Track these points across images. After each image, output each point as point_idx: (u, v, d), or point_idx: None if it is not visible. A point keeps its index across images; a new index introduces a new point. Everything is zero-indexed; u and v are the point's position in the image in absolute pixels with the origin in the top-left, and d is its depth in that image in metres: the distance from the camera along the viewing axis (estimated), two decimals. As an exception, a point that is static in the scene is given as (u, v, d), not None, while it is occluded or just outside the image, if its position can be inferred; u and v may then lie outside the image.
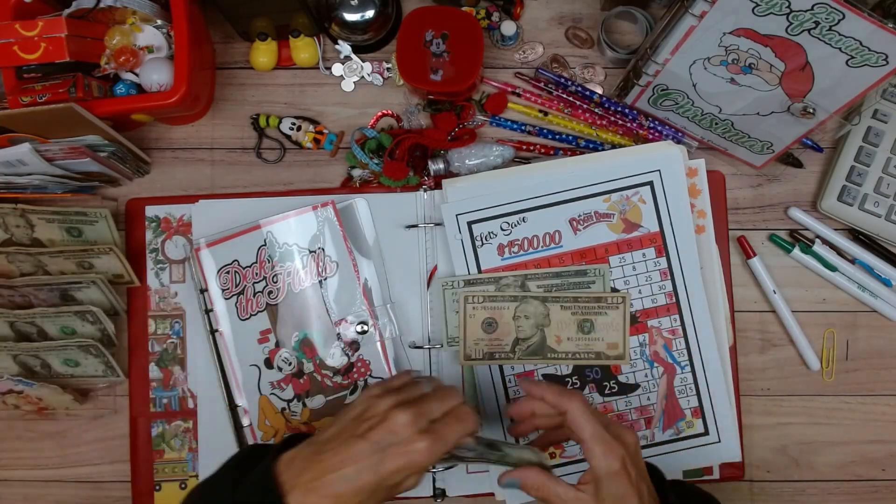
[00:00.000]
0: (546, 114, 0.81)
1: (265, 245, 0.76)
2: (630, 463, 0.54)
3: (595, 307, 0.73)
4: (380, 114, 0.81)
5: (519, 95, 0.81)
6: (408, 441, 0.51)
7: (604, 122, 0.80)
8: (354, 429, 0.53)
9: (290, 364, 0.76)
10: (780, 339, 0.80)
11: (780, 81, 0.68)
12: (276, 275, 0.76)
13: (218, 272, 0.76)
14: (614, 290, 0.74)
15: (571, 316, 0.72)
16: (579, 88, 0.79)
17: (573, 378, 0.75)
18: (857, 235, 0.79)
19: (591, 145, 0.80)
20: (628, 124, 0.79)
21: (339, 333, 0.76)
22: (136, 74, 0.75)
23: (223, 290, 0.76)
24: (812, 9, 0.61)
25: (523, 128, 0.80)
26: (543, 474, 0.56)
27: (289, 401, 0.76)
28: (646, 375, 0.75)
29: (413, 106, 0.81)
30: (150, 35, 0.74)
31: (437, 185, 0.77)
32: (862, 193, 0.77)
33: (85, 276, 0.73)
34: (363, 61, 0.81)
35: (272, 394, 0.76)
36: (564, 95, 0.80)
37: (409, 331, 0.77)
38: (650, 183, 0.75)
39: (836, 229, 0.79)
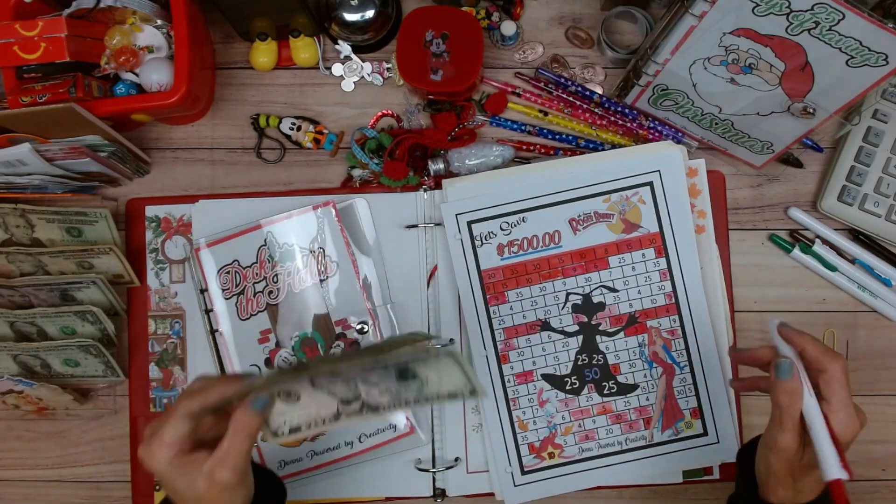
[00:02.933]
0: (546, 114, 0.81)
1: (265, 245, 0.76)
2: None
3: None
4: (380, 114, 0.81)
5: (519, 95, 0.81)
6: (142, 459, 0.52)
7: (604, 122, 0.80)
8: None
9: (290, 364, 0.76)
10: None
11: (780, 81, 0.68)
12: (276, 275, 0.76)
13: (218, 272, 0.76)
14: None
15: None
16: (579, 88, 0.79)
17: (572, 378, 0.75)
18: (857, 235, 0.79)
19: (591, 145, 0.80)
20: (628, 124, 0.79)
21: (339, 333, 0.76)
22: (136, 74, 0.75)
23: (223, 290, 0.76)
24: (812, 9, 0.61)
25: (523, 128, 0.80)
26: (802, 396, 0.53)
27: (289, 401, 0.76)
28: (645, 376, 0.75)
29: (413, 106, 0.81)
30: (150, 35, 0.74)
31: (437, 185, 0.77)
32: (862, 193, 0.77)
33: (85, 276, 0.73)
34: (363, 61, 0.81)
35: (272, 394, 0.76)
36: (564, 95, 0.80)
37: (408, 331, 0.77)
38: (650, 183, 0.75)
39: (836, 229, 0.79)
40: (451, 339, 0.77)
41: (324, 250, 0.77)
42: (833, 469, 0.50)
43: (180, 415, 0.51)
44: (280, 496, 0.62)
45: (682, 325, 0.75)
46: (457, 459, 0.77)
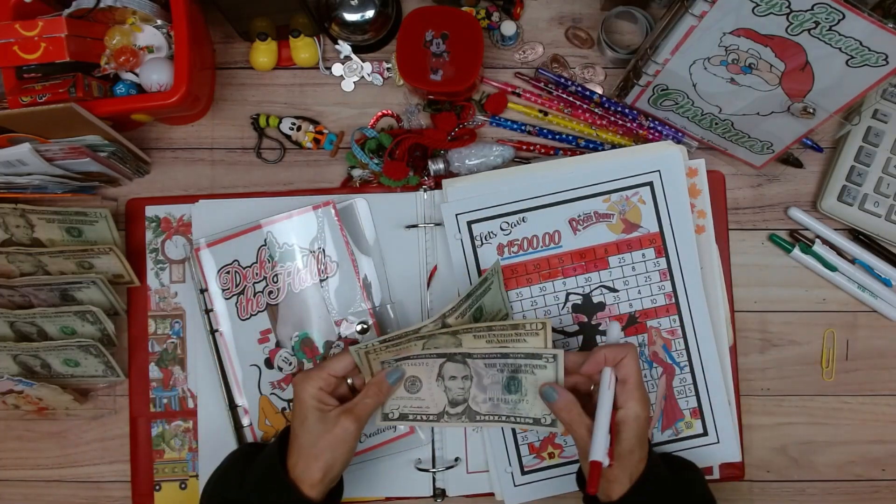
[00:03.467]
0: (546, 114, 0.81)
1: (265, 245, 0.76)
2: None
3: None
4: (380, 114, 0.81)
5: (519, 95, 0.81)
6: (295, 384, 0.65)
7: (604, 122, 0.80)
8: None
9: (290, 364, 0.76)
10: (779, 339, 0.80)
11: (780, 81, 0.68)
12: (276, 275, 0.76)
13: (218, 272, 0.76)
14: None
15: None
16: (579, 88, 0.79)
17: (573, 378, 0.75)
18: (857, 235, 0.79)
19: (591, 145, 0.80)
20: (628, 124, 0.79)
21: (339, 333, 0.76)
22: (136, 74, 0.75)
23: (223, 290, 0.76)
24: (812, 9, 0.61)
25: (523, 128, 0.80)
26: (575, 402, 0.62)
27: (289, 401, 0.76)
28: (645, 376, 0.75)
29: (413, 106, 0.81)
30: (150, 35, 0.74)
31: (437, 185, 0.77)
32: (862, 193, 0.77)
33: (85, 276, 0.73)
34: (363, 61, 0.81)
35: (273, 394, 0.76)
36: (564, 95, 0.80)
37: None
38: (650, 183, 0.75)
39: (836, 229, 0.79)
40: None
41: (324, 250, 0.77)
42: (598, 453, 0.58)
43: (346, 358, 0.64)
44: (340, 493, 0.69)
45: (682, 325, 0.75)
46: (457, 459, 0.77)
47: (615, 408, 0.61)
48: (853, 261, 0.79)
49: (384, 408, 0.67)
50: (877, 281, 0.79)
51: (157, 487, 0.77)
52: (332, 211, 0.77)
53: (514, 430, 0.75)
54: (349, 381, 0.67)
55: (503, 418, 0.66)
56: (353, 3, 0.77)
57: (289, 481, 0.61)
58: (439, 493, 0.76)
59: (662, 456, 0.67)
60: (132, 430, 0.78)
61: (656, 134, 0.79)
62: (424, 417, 0.67)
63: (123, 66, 0.73)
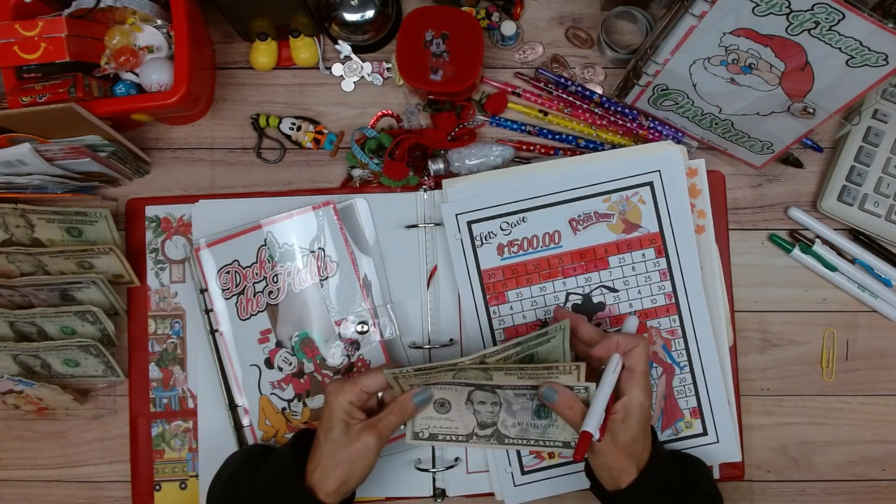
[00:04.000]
0: (546, 114, 0.81)
1: (265, 245, 0.76)
2: None
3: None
4: (380, 114, 0.81)
5: (519, 95, 0.81)
6: (329, 392, 0.65)
7: (604, 122, 0.80)
8: None
9: (290, 364, 0.76)
10: (779, 339, 0.80)
11: (780, 81, 0.68)
12: (276, 275, 0.76)
13: (218, 272, 0.76)
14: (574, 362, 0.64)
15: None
16: (579, 88, 0.79)
17: (573, 378, 0.75)
18: (857, 235, 0.79)
19: (591, 145, 0.80)
20: (628, 124, 0.79)
21: (339, 333, 0.76)
22: (136, 74, 0.75)
23: (223, 290, 0.76)
24: (812, 9, 0.61)
25: (523, 128, 0.80)
26: (577, 399, 0.62)
27: (289, 401, 0.76)
28: (646, 375, 0.75)
29: (413, 106, 0.81)
30: (150, 35, 0.74)
31: (437, 185, 0.77)
32: (862, 193, 0.77)
33: (85, 276, 0.73)
34: (363, 61, 0.81)
35: (273, 394, 0.76)
36: (564, 95, 0.80)
37: (408, 331, 0.77)
38: (650, 183, 0.75)
39: (836, 229, 0.79)
40: (451, 340, 0.77)
41: (324, 250, 0.77)
42: (591, 425, 0.59)
43: (378, 375, 0.64)
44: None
45: (682, 325, 0.75)
46: (457, 459, 0.77)
47: (620, 395, 0.62)
48: (853, 261, 0.79)
49: (414, 427, 0.68)
50: (877, 281, 0.79)
51: (157, 487, 0.77)
52: (332, 211, 0.77)
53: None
54: (380, 394, 0.68)
55: (532, 442, 0.66)
56: (353, 3, 0.77)
57: (305, 486, 0.62)
58: (439, 493, 0.76)
59: (670, 452, 0.68)
60: (132, 430, 0.78)
61: (656, 134, 0.79)
62: (454, 438, 0.68)
63: (123, 66, 0.73)
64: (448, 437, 0.68)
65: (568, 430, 0.65)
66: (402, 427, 0.67)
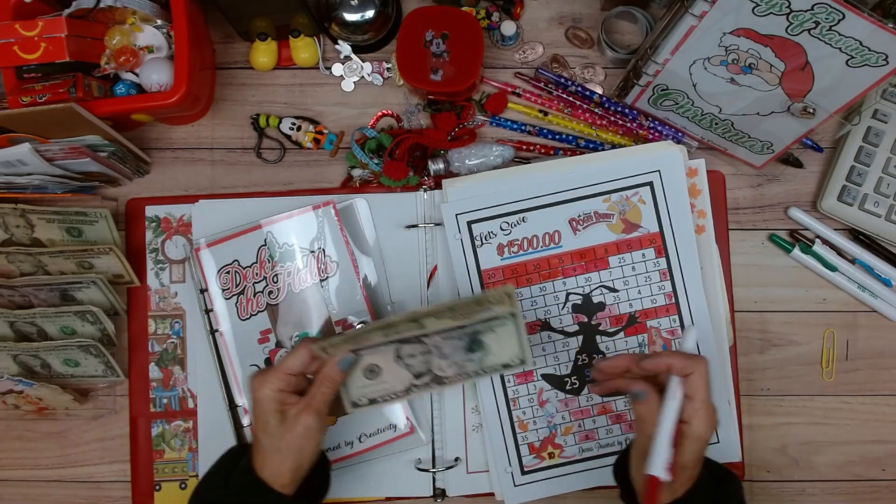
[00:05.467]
0: (546, 114, 0.81)
1: (265, 245, 0.76)
2: None
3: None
4: (380, 114, 0.81)
5: (519, 95, 0.81)
6: (253, 387, 0.63)
7: (604, 122, 0.80)
8: None
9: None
10: (779, 339, 0.80)
11: (780, 81, 0.68)
12: (276, 275, 0.76)
13: (218, 272, 0.76)
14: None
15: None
16: (579, 88, 0.79)
17: (572, 378, 0.75)
18: (857, 235, 0.79)
19: (591, 145, 0.80)
20: (628, 124, 0.79)
21: (339, 333, 0.76)
22: (136, 74, 0.75)
23: (223, 290, 0.76)
24: (812, 9, 0.61)
25: (523, 128, 0.80)
26: (658, 405, 0.58)
27: (289, 401, 0.76)
28: (646, 375, 0.75)
29: (413, 106, 0.81)
30: (150, 35, 0.74)
31: (437, 185, 0.77)
32: (862, 193, 0.77)
33: (85, 276, 0.73)
34: (363, 61, 0.81)
35: (272, 394, 0.76)
36: (564, 95, 0.80)
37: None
38: (650, 183, 0.75)
39: (836, 229, 0.79)
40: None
41: (324, 250, 0.77)
42: (657, 468, 0.55)
43: (300, 353, 0.62)
44: (326, 482, 0.68)
45: (682, 326, 0.75)
46: (457, 459, 0.77)
47: (678, 419, 0.57)
48: (853, 261, 0.79)
49: (351, 396, 0.66)
50: (877, 281, 0.79)
51: (157, 487, 0.77)
52: (332, 211, 0.77)
53: (513, 431, 0.75)
54: (309, 376, 0.65)
55: (473, 374, 0.66)
56: (353, 3, 0.77)
57: (262, 484, 0.60)
58: (439, 493, 0.76)
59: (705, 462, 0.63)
60: (132, 430, 0.78)
61: (656, 134, 0.79)
62: (393, 397, 0.66)
63: (123, 66, 0.73)
64: (387, 398, 0.66)
65: (505, 351, 0.64)
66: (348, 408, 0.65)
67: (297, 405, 0.62)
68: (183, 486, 0.77)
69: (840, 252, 0.79)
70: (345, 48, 0.80)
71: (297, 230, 0.77)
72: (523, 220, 0.75)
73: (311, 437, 0.61)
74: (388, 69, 0.81)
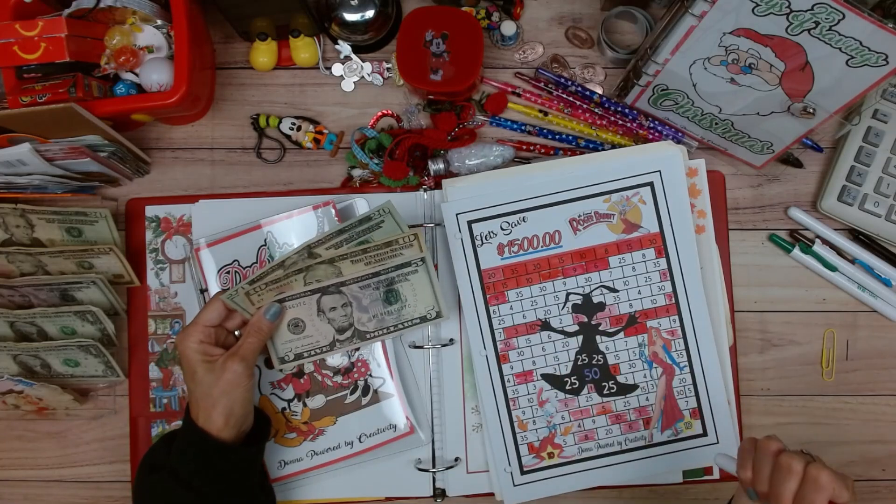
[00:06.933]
0: (546, 114, 0.81)
1: (265, 245, 0.76)
2: None
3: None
4: (380, 114, 0.81)
5: (519, 95, 0.81)
6: (178, 342, 0.66)
7: (604, 122, 0.80)
8: None
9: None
10: (779, 339, 0.80)
11: (780, 81, 0.68)
12: (275, 275, 0.76)
13: (218, 272, 0.76)
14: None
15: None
16: (579, 88, 0.79)
17: (572, 378, 0.75)
18: (857, 235, 0.79)
19: (591, 145, 0.80)
20: (628, 124, 0.79)
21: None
22: (136, 74, 0.75)
23: (223, 290, 0.76)
24: (812, 9, 0.61)
25: (523, 128, 0.80)
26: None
27: (289, 400, 0.76)
28: (644, 376, 0.75)
29: (413, 106, 0.81)
30: (150, 35, 0.74)
31: (437, 185, 0.77)
32: (862, 193, 0.77)
33: (85, 276, 0.73)
34: (363, 61, 0.81)
35: (272, 394, 0.76)
36: (564, 95, 0.80)
37: (408, 330, 0.77)
38: (650, 183, 0.75)
39: (836, 229, 0.79)
40: (451, 340, 0.77)
41: (324, 250, 0.77)
42: None
43: (215, 306, 0.66)
44: (266, 428, 0.72)
45: (682, 326, 0.75)
46: (457, 459, 0.77)
47: None
48: (853, 261, 0.79)
49: (278, 353, 0.70)
50: (877, 281, 0.79)
51: (157, 487, 0.77)
52: (332, 211, 0.76)
53: (513, 431, 0.75)
54: (237, 333, 0.69)
55: (391, 329, 0.71)
56: (353, 3, 0.77)
57: (199, 429, 0.64)
58: (439, 493, 0.76)
59: None
60: (132, 430, 0.78)
61: (656, 134, 0.79)
62: (318, 351, 0.71)
63: (123, 66, 0.73)
64: (312, 352, 0.71)
65: (421, 303, 0.69)
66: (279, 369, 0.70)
67: (225, 354, 0.65)
68: (183, 486, 0.77)
69: (840, 252, 0.79)
70: (345, 48, 0.80)
71: (297, 230, 0.76)
72: (523, 220, 0.75)
73: (239, 382, 0.64)
74: (388, 69, 0.81)
